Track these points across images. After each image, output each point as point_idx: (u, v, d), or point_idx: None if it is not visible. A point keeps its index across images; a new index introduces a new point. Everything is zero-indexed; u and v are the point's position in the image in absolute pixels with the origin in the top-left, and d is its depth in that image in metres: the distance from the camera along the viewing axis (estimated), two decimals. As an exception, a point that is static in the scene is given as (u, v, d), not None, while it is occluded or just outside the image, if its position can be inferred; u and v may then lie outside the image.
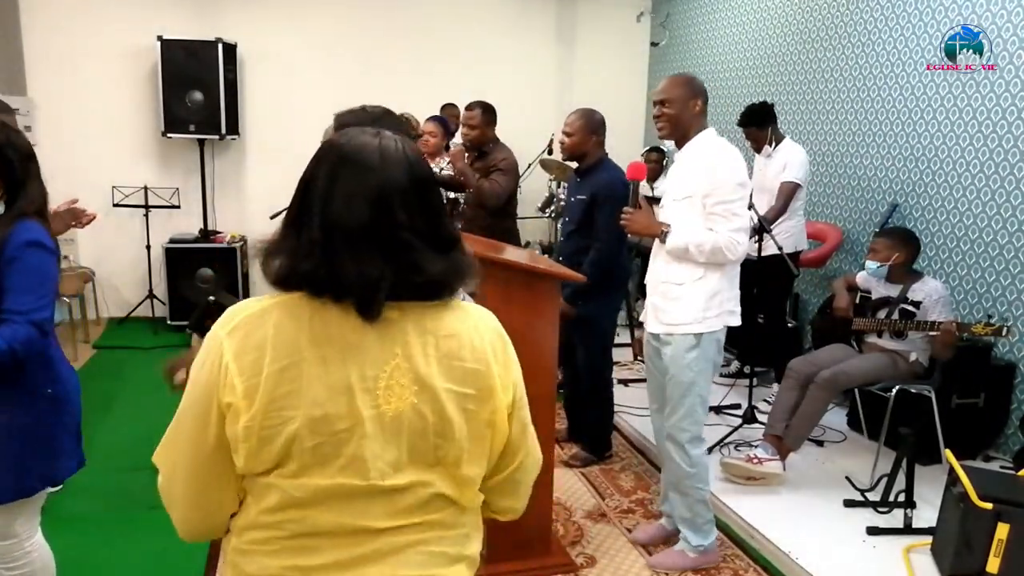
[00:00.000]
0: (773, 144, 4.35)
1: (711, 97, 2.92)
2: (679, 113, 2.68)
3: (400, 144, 1.07)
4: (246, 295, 5.80)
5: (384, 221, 1.01)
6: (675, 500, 2.84)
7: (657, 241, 2.75)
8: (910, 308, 3.45)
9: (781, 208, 4.24)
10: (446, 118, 5.33)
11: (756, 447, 3.48)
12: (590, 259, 3.47)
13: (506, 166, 4.27)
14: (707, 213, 2.60)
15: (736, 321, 2.74)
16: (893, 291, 3.52)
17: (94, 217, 3.14)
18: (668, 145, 5.19)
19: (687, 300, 2.66)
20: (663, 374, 2.79)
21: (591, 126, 3.52)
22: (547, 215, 5.97)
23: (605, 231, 3.43)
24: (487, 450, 1.12)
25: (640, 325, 5.39)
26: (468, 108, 4.40)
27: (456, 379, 1.06)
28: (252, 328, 1.01)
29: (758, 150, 4.43)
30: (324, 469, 1.01)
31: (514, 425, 1.15)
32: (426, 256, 1.03)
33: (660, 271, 2.76)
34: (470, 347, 1.08)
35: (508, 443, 1.15)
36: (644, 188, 4.01)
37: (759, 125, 4.33)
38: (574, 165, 3.73)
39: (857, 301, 3.66)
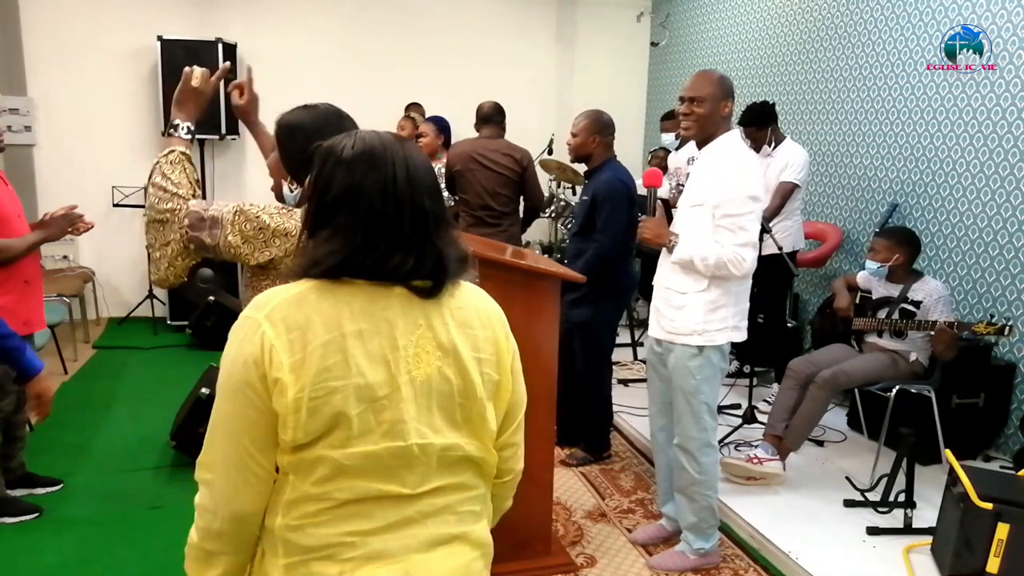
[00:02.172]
0: (773, 144, 4.35)
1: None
2: (710, 114, 2.57)
3: (392, 137, 1.17)
4: (246, 295, 5.79)
5: (411, 206, 1.12)
6: (682, 504, 2.82)
7: (672, 259, 2.68)
8: (910, 308, 3.45)
9: (777, 207, 4.21)
10: (444, 118, 5.35)
11: (756, 447, 3.48)
12: (585, 256, 3.48)
13: None
14: (715, 225, 2.54)
15: (741, 337, 2.68)
16: (894, 291, 3.52)
17: (91, 226, 3.14)
18: (666, 140, 5.24)
19: (689, 309, 2.62)
20: (664, 380, 2.78)
21: (595, 127, 3.52)
22: (547, 215, 5.97)
23: (602, 231, 3.43)
24: (499, 407, 1.24)
25: (640, 325, 5.41)
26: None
27: (471, 345, 1.18)
28: (291, 310, 1.08)
29: (757, 150, 4.42)
30: (369, 435, 1.09)
31: (516, 385, 1.28)
32: (441, 238, 1.15)
33: (665, 277, 2.73)
34: (478, 317, 1.21)
35: (511, 403, 1.27)
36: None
37: (759, 125, 4.32)
38: (582, 168, 3.74)
39: (857, 301, 3.66)
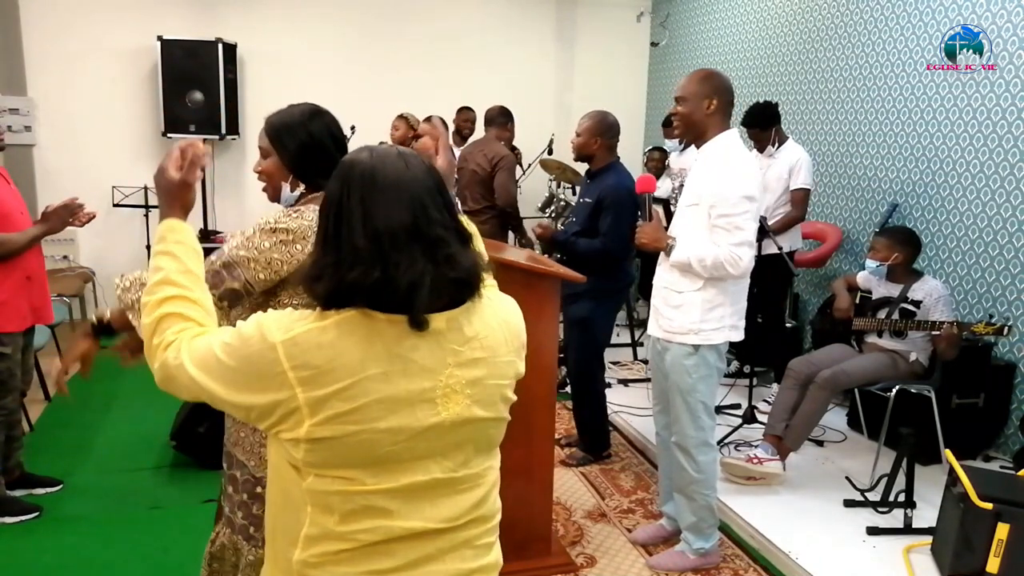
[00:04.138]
0: (776, 145, 4.35)
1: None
2: (691, 112, 2.59)
3: (408, 152, 1.15)
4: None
5: (422, 220, 1.07)
6: (681, 504, 2.82)
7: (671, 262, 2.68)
8: (910, 308, 3.44)
9: (799, 216, 4.29)
10: (443, 119, 5.35)
11: (756, 447, 3.48)
12: (589, 242, 3.50)
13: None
14: (711, 225, 2.54)
15: (738, 336, 2.69)
16: (894, 290, 3.52)
17: (93, 216, 3.14)
18: (670, 145, 5.24)
19: (686, 308, 2.62)
20: (665, 377, 2.78)
21: (597, 128, 3.53)
22: (547, 215, 5.97)
23: (607, 235, 3.44)
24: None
25: (640, 325, 5.41)
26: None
27: (498, 374, 1.16)
28: (310, 345, 1.04)
29: (761, 150, 4.41)
30: (389, 476, 1.08)
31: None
32: (459, 251, 1.10)
33: (663, 276, 2.73)
34: (504, 342, 1.18)
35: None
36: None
37: (763, 127, 4.30)
38: (583, 168, 3.77)
39: (857, 301, 3.66)
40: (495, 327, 1.17)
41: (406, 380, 1.06)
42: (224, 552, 1.82)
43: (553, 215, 5.82)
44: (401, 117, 5.33)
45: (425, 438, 1.08)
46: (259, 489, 1.73)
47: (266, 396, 1.05)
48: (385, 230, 1.05)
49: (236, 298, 1.64)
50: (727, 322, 2.63)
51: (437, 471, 1.10)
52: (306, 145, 1.76)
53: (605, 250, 3.46)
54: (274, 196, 1.84)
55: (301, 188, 1.81)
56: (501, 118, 4.78)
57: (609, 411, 3.96)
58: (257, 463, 1.74)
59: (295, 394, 1.03)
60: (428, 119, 4.68)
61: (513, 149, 5.43)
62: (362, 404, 1.03)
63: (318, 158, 1.76)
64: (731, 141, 2.61)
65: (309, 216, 1.67)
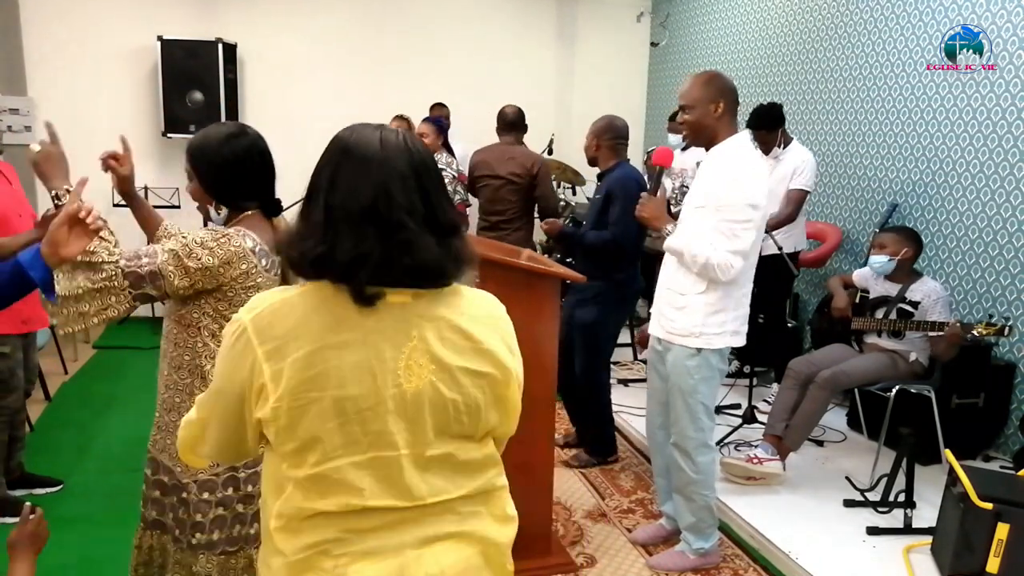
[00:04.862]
0: (782, 146, 4.33)
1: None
2: (699, 119, 2.57)
3: (401, 134, 1.14)
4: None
5: (383, 203, 1.07)
6: (680, 504, 2.82)
7: (669, 253, 2.70)
8: (908, 308, 3.44)
9: (792, 215, 4.23)
10: (441, 119, 5.35)
11: (756, 447, 3.48)
12: (598, 234, 3.49)
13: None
14: (713, 227, 2.54)
15: (740, 341, 2.68)
16: (892, 290, 3.52)
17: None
18: (673, 141, 5.23)
19: (689, 311, 2.62)
20: (663, 378, 2.78)
21: (598, 131, 3.56)
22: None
23: (616, 224, 3.43)
24: (501, 415, 1.21)
25: (640, 324, 5.41)
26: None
27: (469, 358, 1.14)
28: (276, 317, 1.08)
29: (767, 152, 4.39)
30: (355, 446, 1.08)
31: (511, 413, 1.24)
32: (422, 239, 1.09)
33: (667, 278, 2.74)
34: (479, 328, 1.16)
35: (500, 434, 1.26)
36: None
37: (769, 128, 4.27)
38: (583, 170, 3.78)
39: (857, 300, 3.66)
40: (477, 314, 1.17)
41: (365, 349, 1.07)
42: (152, 555, 1.90)
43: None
44: (399, 117, 5.34)
45: (387, 409, 1.09)
46: (185, 494, 1.80)
47: (240, 377, 1.09)
48: (340, 206, 1.08)
49: (150, 300, 1.68)
50: (728, 327, 2.63)
51: (402, 445, 1.10)
52: (221, 168, 1.75)
53: (614, 240, 3.44)
54: (205, 217, 1.85)
55: (225, 211, 1.81)
56: (524, 123, 4.58)
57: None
58: (183, 468, 1.79)
59: (261, 369, 1.07)
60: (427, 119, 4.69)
61: None
62: (321, 371, 1.05)
63: (237, 180, 1.76)
64: (741, 145, 2.60)
65: (236, 242, 1.69)
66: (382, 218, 1.07)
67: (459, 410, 1.14)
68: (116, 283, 1.60)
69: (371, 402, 1.08)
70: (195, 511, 1.80)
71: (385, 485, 1.10)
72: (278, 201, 1.85)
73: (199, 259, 1.64)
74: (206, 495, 1.80)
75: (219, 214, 1.81)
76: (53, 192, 1.79)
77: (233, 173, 1.75)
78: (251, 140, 1.78)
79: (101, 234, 1.61)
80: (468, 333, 1.14)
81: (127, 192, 2.04)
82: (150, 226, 2.09)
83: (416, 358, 1.10)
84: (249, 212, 1.79)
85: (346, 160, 1.10)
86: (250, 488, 1.82)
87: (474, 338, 1.15)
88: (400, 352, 1.09)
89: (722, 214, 2.51)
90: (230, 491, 1.81)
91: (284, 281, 1.81)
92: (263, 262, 1.74)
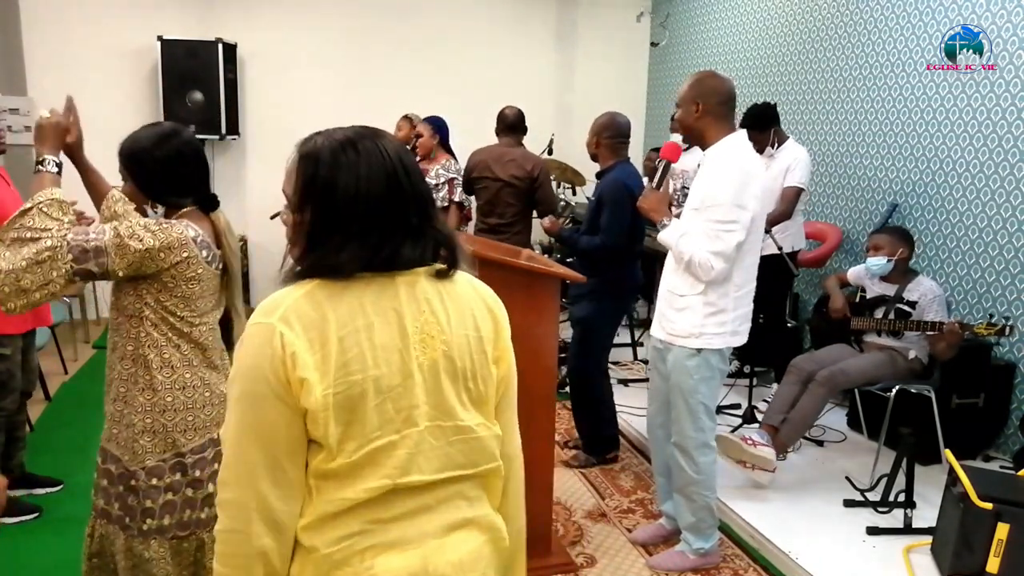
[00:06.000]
0: (776, 145, 4.33)
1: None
2: (681, 119, 2.64)
3: (367, 131, 1.20)
4: (247, 295, 5.80)
5: (395, 191, 1.15)
6: (680, 504, 2.82)
7: (671, 253, 2.70)
8: (905, 308, 3.45)
9: (786, 211, 4.21)
10: (441, 118, 5.34)
11: (752, 431, 3.47)
12: (590, 239, 3.51)
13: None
14: (700, 227, 2.56)
15: (740, 341, 2.68)
16: (888, 290, 3.52)
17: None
18: (675, 140, 5.22)
19: (689, 312, 2.63)
20: (664, 377, 2.78)
21: (599, 128, 3.57)
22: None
23: (605, 231, 3.44)
24: (499, 382, 1.28)
25: (640, 325, 5.41)
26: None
27: (472, 324, 1.22)
28: (305, 309, 1.11)
29: (760, 151, 4.39)
30: (389, 425, 1.13)
31: (510, 357, 1.30)
32: (439, 220, 1.21)
33: (667, 280, 2.75)
34: (475, 300, 1.25)
35: (506, 377, 1.30)
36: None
37: (761, 128, 4.28)
38: (585, 169, 3.78)
39: (856, 300, 3.66)
40: (463, 284, 1.24)
41: (388, 328, 1.13)
42: (103, 543, 1.92)
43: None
44: (405, 117, 5.33)
45: (414, 383, 1.14)
46: (133, 482, 1.82)
47: (276, 378, 1.08)
48: (363, 201, 1.13)
49: (89, 278, 1.71)
50: (728, 328, 2.63)
51: (423, 419, 1.15)
52: (154, 169, 1.81)
53: (603, 246, 3.46)
54: (144, 215, 1.87)
55: (162, 209, 1.85)
56: (524, 125, 4.55)
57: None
58: (131, 457, 1.82)
59: (305, 362, 1.08)
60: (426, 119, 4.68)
61: None
62: (356, 353, 1.10)
63: (172, 179, 1.82)
64: (736, 145, 2.59)
65: (179, 230, 1.74)
66: (397, 206, 1.14)
67: (467, 376, 1.20)
68: (59, 255, 1.63)
69: (399, 379, 1.13)
70: (144, 497, 1.83)
71: (416, 462, 1.14)
72: (214, 196, 1.91)
73: (141, 240, 1.68)
74: (155, 480, 1.82)
75: (156, 212, 1.86)
76: (40, 157, 1.83)
77: (167, 173, 1.81)
78: (184, 140, 1.85)
79: (54, 213, 1.66)
80: (466, 301, 1.22)
81: (75, 156, 2.05)
82: (98, 191, 2.10)
83: (428, 330, 1.16)
84: (186, 209, 1.85)
85: (346, 161, 1.14)
86: (198, 473, 1.85)
87: (471, 304, 1.23)
88: (416, 326, 1.15)
89: (709, 214, 2.53)
90: (178, 476, 1.84)
91: (225, 275, 1.89)
92: (204, 253, 1.79)
